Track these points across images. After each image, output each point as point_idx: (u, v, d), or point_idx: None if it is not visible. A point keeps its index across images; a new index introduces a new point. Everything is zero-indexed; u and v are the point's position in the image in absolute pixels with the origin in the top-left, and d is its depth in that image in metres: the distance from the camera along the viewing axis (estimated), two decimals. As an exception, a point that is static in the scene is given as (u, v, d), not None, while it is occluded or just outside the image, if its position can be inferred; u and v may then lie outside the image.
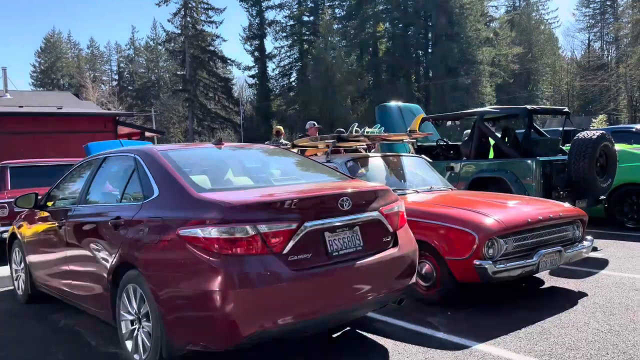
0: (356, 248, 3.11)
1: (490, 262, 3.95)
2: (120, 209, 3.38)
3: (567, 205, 4.87)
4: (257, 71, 62.35)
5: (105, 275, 3.35)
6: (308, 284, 2.78)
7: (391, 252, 3.30)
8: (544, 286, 4.94)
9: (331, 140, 5.53)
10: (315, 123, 8.70)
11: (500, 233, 4.04)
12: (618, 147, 8.41)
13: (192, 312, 2.72)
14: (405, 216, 3.63)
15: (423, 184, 5.56)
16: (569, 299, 4.45)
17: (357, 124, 5.68)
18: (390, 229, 3.36)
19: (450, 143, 7.99)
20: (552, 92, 64.13)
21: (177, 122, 62.03)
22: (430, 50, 56.70)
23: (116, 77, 76.28)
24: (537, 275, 5.06)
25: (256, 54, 61.56)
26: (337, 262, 2.97)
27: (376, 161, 5.61)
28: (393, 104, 9.11)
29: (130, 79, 73.74)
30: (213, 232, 2.64)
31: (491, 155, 7.50)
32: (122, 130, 25.12)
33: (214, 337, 2.68)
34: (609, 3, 59.30)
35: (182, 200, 2.91)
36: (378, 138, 5.67)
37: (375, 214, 3.25)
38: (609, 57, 59.18)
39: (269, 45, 70.67)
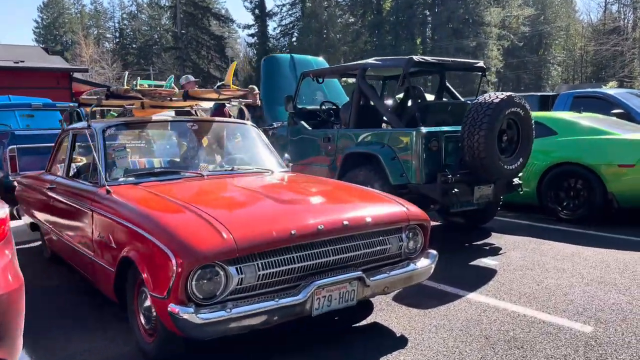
0: None
1: (192, 309, 2.34)
2: None
3: (402, 207, 3.16)
4: (256, 30, 60.22)
5: None
6: None
7: None
8: (363, 322, 3.34)
9: (95, 97, 3.85)
10: (191, 77, 6.95)
11: (225, 256, 2.41)
12: (557, 115, 6.69)
13: None
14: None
15: (227, 163, 3.93)
16: (368, 353, 2.85)
17: (128, 73, 4.00)
18: None
19: (339, 107, 6.25)
20: (564, 57, 61.05)
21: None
22: (437, 10, 53.71)
23: (117, 34, 74.59)
24: (372, 299, 3.47)
25: (256, 11, 59.19)
26: None
27: (158, 129, 3.97)
28: (285, 55, 7.33)
29: (133, 37, 72.04)
30: None
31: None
32: (82, 88, 23.55)
33: None
34: (629, -38, 55.28)
35: None
36: (157, 93, 3.95)
37: None
38: (626, 20, 55.60)
39: (270, 2, 68.19)
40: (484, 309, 3.43)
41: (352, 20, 54.37)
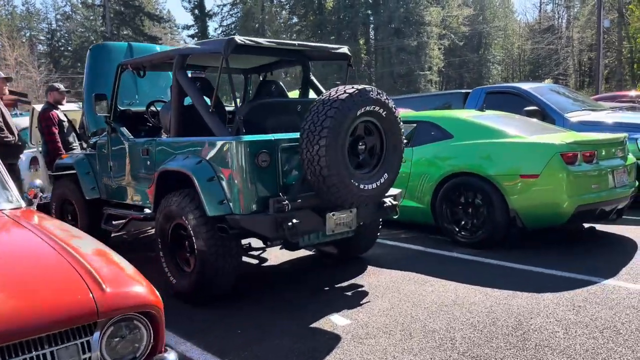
0: None
1: None
2: None
3: (89, 291, 1.74)
4: (197, 30, 58.47)
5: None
6: None
7: None
8: None
9: None
10: (1, 73, 5.42)
11: None
12: (452, 114, 5.56)
13: None
14: None
15: None
16: None
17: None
18: None
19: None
20: (503, 56, 62.10)
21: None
22: (378, 10, 53.28)
23: (50, 36, 70.58)
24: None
25: (196, 12, 57.32)
26: None
27: None
28: (120, 43, 5.85)
29: (68, 38, 68.26)
30: None
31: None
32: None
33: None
34: (562, -36, 56.71)
35: None
36: None
37: None
38: (560, 19, 57.12)
39: (210, 3, 66.66)
40: None
41: (295, 20, 53.22)
